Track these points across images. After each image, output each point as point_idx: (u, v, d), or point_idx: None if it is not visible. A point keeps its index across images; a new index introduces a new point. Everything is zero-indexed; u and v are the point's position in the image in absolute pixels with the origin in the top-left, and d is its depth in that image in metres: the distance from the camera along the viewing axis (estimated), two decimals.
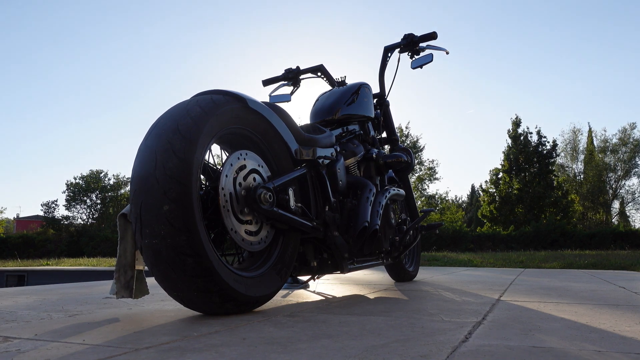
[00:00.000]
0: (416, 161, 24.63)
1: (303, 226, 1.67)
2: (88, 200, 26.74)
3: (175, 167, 1.26)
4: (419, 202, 24.89)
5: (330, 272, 1.94)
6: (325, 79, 2.71)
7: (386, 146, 2.80)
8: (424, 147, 25.42)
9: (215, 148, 1.62)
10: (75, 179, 26.95)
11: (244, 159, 1.53)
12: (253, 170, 1.55)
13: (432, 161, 25.86)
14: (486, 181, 23.51)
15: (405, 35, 2.65)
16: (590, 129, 29.97)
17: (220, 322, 1.28)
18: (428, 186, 26.38)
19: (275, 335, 1.11)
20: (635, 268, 4.96)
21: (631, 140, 28.52)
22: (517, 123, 22.80)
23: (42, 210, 26.36)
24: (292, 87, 2.79)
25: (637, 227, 23.69)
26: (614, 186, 29.03)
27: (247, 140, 1.61)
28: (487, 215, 22.25)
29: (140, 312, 1.52)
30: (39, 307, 1.67)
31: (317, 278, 2.17)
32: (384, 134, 2.75)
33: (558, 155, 23.24)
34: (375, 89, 2.68)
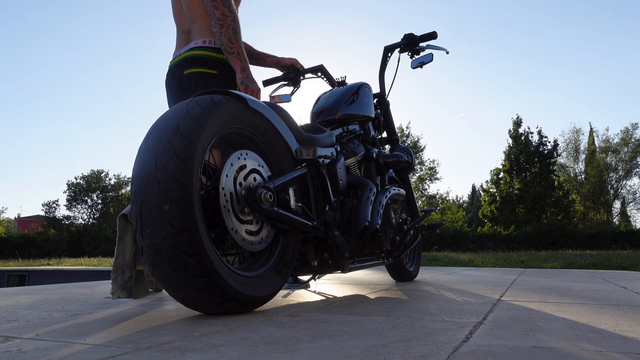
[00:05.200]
0: (417, 161, 24.62)
1: (304, 226, 1.67)
2: (89, 200, 26.74)
3: (175, 167, 1.26)
4: (420, 202, 24.88)
5: (331, 272, 1.94)
6: (325, 79, 2.71)
7: (387, 146, 2.80)
8: (424, 147, 25.43)
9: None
10: (76, 178, 26.96)
11: (245, 159, 1.53)
12: (253, 170, 1.55)
13: (433, 161, 25.88)
14: (487, 181, 23.51)
15: (405, 35, 2.65)
16: (591, 128, 29.96)
17: (221, 322, 1.28)
18: (429, 186, 26.38)
19: (276, 335, 1.11)
20: (636, 268, 4.96)
21: (633, 140, 28.47)
22: (518, 123, 22.78)
23: (43, 210, 26.38)
24: (292, 88, 2.79)
25: (638, 227, 23.64)
26: (615, 186, 28.98)
27: (247, 140, 1.61)
28: (487, 215, 22.24)
29: (141, 312, 1.52)
30: (40, 307, 1.68)
31: (318, 278, 2.17)
32: (385, 134, 2.75)
33: (559, 155, 23.21)
34: (376, 89, 2.68)
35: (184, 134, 1.30)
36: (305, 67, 2.71)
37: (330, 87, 2.65)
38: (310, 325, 1.23)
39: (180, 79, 2.03)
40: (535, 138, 22.39)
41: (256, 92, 1.96)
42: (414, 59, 2.62)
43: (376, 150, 2.31)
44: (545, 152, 22.05)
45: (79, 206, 26.62)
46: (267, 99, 2.77)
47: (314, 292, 2.18)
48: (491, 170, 23.43)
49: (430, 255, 8.36)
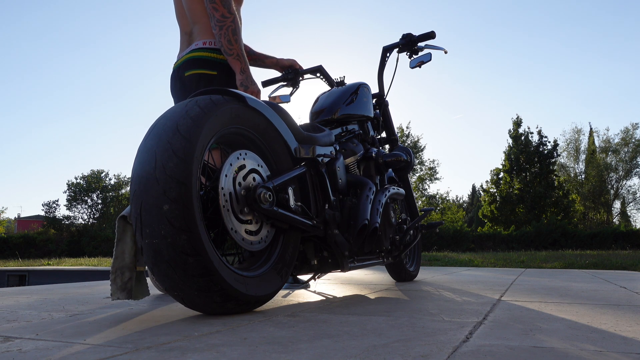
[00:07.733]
0: (417, 161, 24.62)
1: (303, 225, 1.67)
2: (89, 200, 26.74)
3: (175, 167, 1.26)
4: (420, 202, 24.88)
5: (331, 271, 1.94)
6: (324, 79, 2.71)
7: (386, 146, 2.80)
8: (424, 147, 25.44)
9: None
10: (76, 178, 26.96)
11: (244, 159, 1.53)
12: (253, 170, 1.55)
13: (433, 161, 25.90)
14: (487, 181, 23.51)
15: (403, 35, 2.65)
16: (591, 128, 29.98)
17: (221, 322, 1.28)
18: (429, 186, 26.39)
19: (276, 335, 1.11)
20: (636, 268, 4.96)
21: (633, 140, 28.47)
22: (518, 123, 22.78)
23: (43, 210, 26.37)
24: (291, 88, 2.79)
25: (638, 227, 23.64)
26: (615, 186, 28.99)
27: (246, 140, 1.61)
28: (487, 215, 22.23)
29: (140, 312, 1.52)
30: (40, 307, 1.68)
31: (318, 277, 2.16)
32: (384, 134, 2.75)
33: (559, 155, 23.21)
34: (375, 89, 2.68)
35: (183, 134, 1.30)
36: (304, 67, 2.71)
37: (329, 88, 2.65)
38: (310, 325, 1.23)
39: (182, 81, 2.05)
40: (535, 138, 22.39)
41: (256, 94, 1.96)
42: (412, 58, 2.62)
43: (375, 149, 2.31)
44: (545, 152, 22.05)
45: (79, 206, 26.61)
46: (267, 100, 2.77)
47: (314, 292, 2.18)
48: (491, 170, 23.44)
49: (430, 255, 8.36)
